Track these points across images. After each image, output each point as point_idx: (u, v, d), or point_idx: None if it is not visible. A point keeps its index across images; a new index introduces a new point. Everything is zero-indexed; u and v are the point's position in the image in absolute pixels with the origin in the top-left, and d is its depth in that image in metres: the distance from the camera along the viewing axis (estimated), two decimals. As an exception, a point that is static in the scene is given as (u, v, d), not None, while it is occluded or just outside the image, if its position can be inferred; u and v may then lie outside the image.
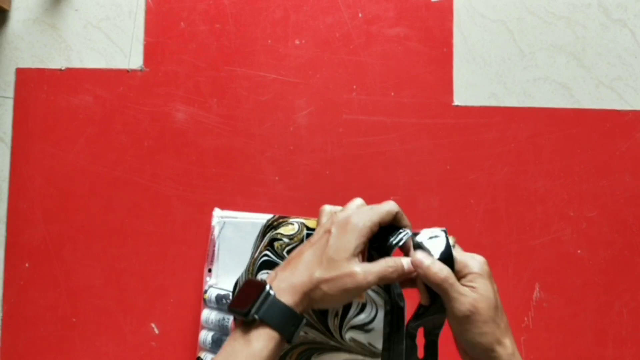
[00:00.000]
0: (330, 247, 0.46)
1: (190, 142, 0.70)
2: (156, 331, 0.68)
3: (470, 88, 0.70)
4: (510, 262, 0.68)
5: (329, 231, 0.47)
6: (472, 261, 0.50)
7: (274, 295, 0.45)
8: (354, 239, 0.47)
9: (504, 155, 0.69)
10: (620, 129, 0.70)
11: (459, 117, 0.70)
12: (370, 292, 0.54)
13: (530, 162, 0.69)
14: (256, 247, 0.61)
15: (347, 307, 0.54)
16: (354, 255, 0.47)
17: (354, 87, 0.70)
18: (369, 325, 0.53)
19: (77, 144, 0.70)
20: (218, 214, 0.67)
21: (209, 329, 0.65)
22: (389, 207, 0.49)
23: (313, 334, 0.54)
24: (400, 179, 0.69)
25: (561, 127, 0.70)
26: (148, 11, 0.71)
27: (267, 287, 0.45)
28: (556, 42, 0.71)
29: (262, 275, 0.57)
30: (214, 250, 0.66)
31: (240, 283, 0.60)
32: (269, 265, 0.57)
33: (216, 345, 0.64)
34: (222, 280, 0.66)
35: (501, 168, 0.69)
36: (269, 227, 0.61)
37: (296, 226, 0.59)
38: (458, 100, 0.70)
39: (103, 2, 0.71)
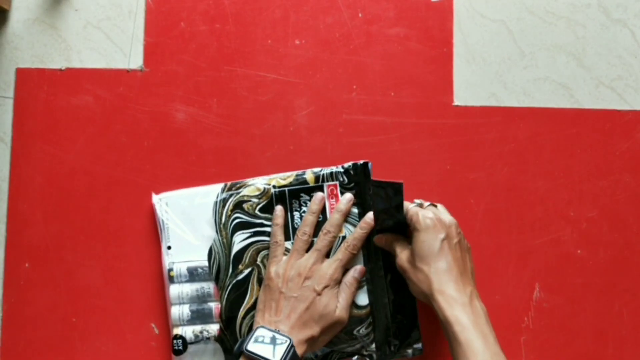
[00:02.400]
0: (321, 306, 0.61)
1: (190, 142, 0.70)
2: (156, 331, 0.68)
3: (470, 88, 0.70)
4: (510, 262, 0.68)
5: (318, 293, 0.61)
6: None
7: (294, 350, 0.58)
8: (334, 297, 0.62)
9: (504, 155, 0.70)
10: (620, 129, 0.70)
11: (459, 117, 0.70)
12: (348, 226, 0.65)
13: (530, 162, 0.69)
14: (218, 213, 0.67)
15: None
16: (336, 304, 0.62)
17: (354, 87, 0.70)
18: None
19: (77, 144, 0.70)
20: (156, 197, 0.68)
21: (183, 303, 0.66)
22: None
23: None
24: (400, 179, 0.69)
25: (561, 127, 0.70)
26: (148, 11, 0.71)
27: (292, 344, 0.58)
28: (556, 42, 0.71)
29: (238, 237, 0.66)
30: (166, 228, 0.67)
31: (217, 251, 0.66)
32: (244, 225, 0.66)
33: (196, 316, 0.65)
34: (182, 254, 0.67)
35: (501, 168, 0.69)
36: (228, 193, 0.67)
37: (261, 187, 0.67)
38: (458, 100, 0.70)
39: (103, 2, 0.72)
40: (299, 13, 0.71)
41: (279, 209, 0.65)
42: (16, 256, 0.69)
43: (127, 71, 0.71)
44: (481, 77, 0.71)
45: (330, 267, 0.63)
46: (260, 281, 0.65)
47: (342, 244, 0.64)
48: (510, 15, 0.71)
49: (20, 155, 0.70)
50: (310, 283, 0.61)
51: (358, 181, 0.66)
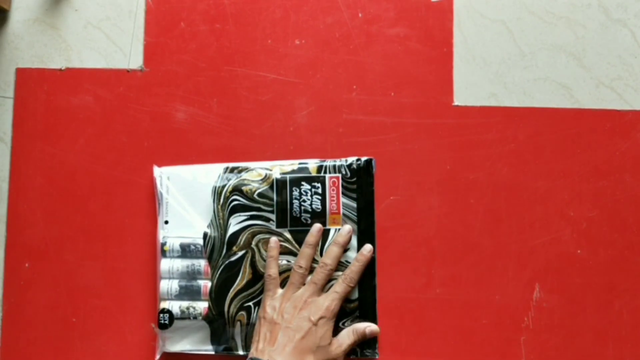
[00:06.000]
0: (318, 338, 0.60)
1: (190, 142, 0.70)
2: (156, 331, 0.68)
3: (470, 88, 0.70)
4: (510, 262, 0.68)
5: (314, 323, 0.61)
6: None
7: None
8: (330, 330, 0.62)
9: (504, 155, 0.70)
10: (620, 129, 0.70)
11: (459, 117, 0.70)
12: (346, 220, 0.66)
13: (530, 162, 0.69)
14: (217, 194, 0.67)
15: (326, 236, 0.66)
16: (332, 338, 0.62)
17: (354, 87, 0.70)
18: (346, 246, 0.66)
19: (77, 144, 0.70)
20: (157, 170, 0.68)
21: (172, 278, 0.66)
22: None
23: None
24: (400, 179, 0.69)
25: (561, 127, 0.70)
26: (148, 11, 0.71)
27: None
28: (556, 42, 0.71)
29: (235, 219, 0.66)
30: (165, 203, 0.67)
31: (212, 234, 0.66)
32: (241, 208, 0.67)
33: (184, 292, 0.66)
34: (177, 229, 0.67)
35: (501, 168, 0.69)
36: (230, 174, 0.67)
37: (262, 172, 0.67)
38: (458, 100, 0.70)
39: (103, 2, 0.72)
40: (299, 13, 0.71)
41: (273, 241, 0.66)
42: (16, 256, 0.69)
43: (127, 71, 0.71)
44: (481, 77, 0.71)
45: (327, 299, 0.62)
46: (253, 264, 0.66)
47: (340, 277, 0.64)
48: (510, 15, 0.71)
49: (20, 155, 0.70)
50: (307, 314, 0.61)
51: (360, 176, 0.66)
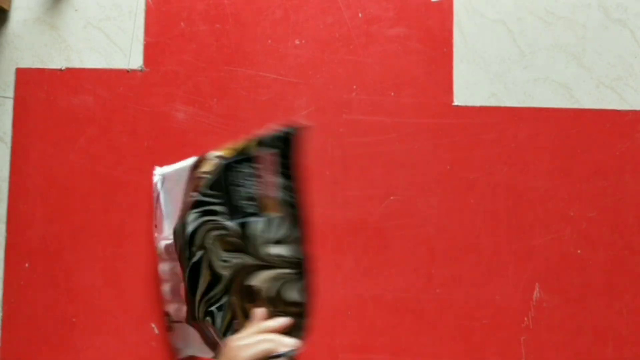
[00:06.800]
0: None
1: (190, 142, 0.70)
2: (156, 331, 0.68)
3: (470, 88, 0.70)
4: (510, 262, 0.68)
5: None
6: None
7: None
8: None
9: (504, 155, 0.70)
10: (620, 129, 0.70)
11: (459, 117, 0.70)
12: (280, 207, 0.57)
13: (530, 162, 0.69)
14: (187, 191, 0.62)
15: (269, 226, 0.57)
16: None
17: (354, 87, 0.70)
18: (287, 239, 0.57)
19: (77, 144, 0.70)
20: (158, 172, 0.68)
21: (166, 280, 0.67)
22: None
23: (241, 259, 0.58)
24: (400, 179, 0.69)
25: (561, 127, 0.70)
26: (148, 11, 0.71)
27: None
28: (556, 42, 0.71)
29: (191, 217, 0.59)
30: (160, 206, 0.67)
31: (179, 231, 0.60)
32: (196, 204, 0.59)
33: (174, 294, 0.65)
34: (164, 231, 0.67)
35: (501, 168, 0.69)
36: (194, 169, 0.62)
37: (214, 161, 0.59)
38: (458, 100, 0.70)
39: (103, 2, 0.72)
40: (299, 13, 0.71)
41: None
42: (16, 256, 0.69)
43: (127, 71, 0.71)
44: (481, 77, 0.71)
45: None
46: (210, 265, 0.58)
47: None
48: (510, 15, 0.71)
49: (20, 155, 0.70)
50: None
51: (287, 149, 0.57)
